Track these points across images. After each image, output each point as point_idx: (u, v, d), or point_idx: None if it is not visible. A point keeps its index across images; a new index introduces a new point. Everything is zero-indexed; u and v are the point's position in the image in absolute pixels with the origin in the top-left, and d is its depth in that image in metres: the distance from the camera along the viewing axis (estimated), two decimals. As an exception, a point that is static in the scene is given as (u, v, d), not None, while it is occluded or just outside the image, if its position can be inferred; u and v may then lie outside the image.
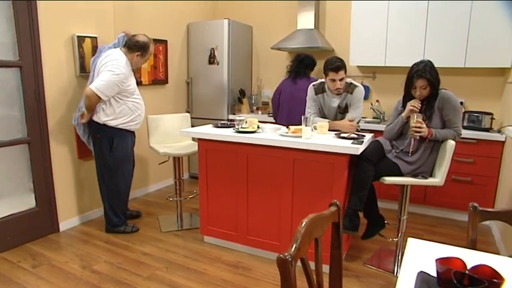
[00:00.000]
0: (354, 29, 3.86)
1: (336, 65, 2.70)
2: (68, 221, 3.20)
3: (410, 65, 3.70)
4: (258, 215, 2.70)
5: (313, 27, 4.23)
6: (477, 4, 3.30)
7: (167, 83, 4.31)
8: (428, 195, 3.58)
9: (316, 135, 2.56)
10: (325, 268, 1.34)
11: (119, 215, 3.16)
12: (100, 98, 2.75)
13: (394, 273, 2.60)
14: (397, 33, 3.67)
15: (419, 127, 2.30)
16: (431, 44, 3.54)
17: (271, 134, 2.61)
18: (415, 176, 2.44)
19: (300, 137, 2.47)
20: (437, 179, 2.37)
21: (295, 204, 2.55)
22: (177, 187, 3.32)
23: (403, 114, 2.44)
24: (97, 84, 2.73)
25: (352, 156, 2.40)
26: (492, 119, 3.39)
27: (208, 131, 2.79)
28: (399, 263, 2.65)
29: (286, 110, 3.49)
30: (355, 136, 2.52)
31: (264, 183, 2.63)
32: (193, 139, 3.42)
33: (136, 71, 3.09)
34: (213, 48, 4.42)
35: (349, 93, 2.85)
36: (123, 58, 2.87)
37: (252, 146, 2.61)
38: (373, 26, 3.76)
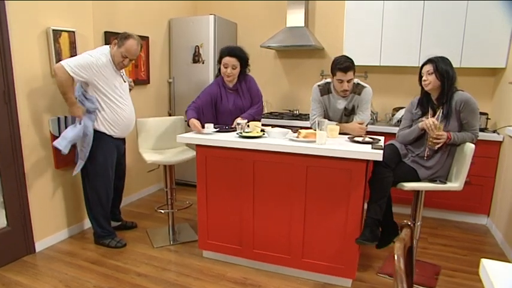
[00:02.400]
0: (348, 29, 3.75)
1: (346, 65, 2.54)
2: (44, 239, 2.82)
3: (406, 65, 3.68)
4: (266, 226, 2.49)
5: (303, 25, 4.07)
6: (473, 4, 3.29)
7: (149, 83, 3.98)
8: (426, 197, 3.49)
9: (328, 140, 2.39)
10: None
11: (102, 225, 2.90)
12: (68, 74, 2.49)
13: (407, 281, 2.49)
14: (392, 32, 3.60)
15: (440, 137, 2.21)
16: (427, 44, 3.49)
17: (281, 139, 2.41)
18: (432, 180, 2.34)
19: (314, 141, 2.29)
20: (456, 183, 2.29)
21: (308, 214, 2.37)
22: (169, 197, 3.03)
23: (420, 125, 2.32)
24: (67, 59, 2.55)
25: (368, 161, 2.25)
26: (487, 119, 3.40)
27: (208, 136, 2.53)
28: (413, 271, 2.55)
29: None
30: (371, 140, 2.38)
31: (272, 192, 2.43)
32: (187, 145, 3.15)
33: (120, 69, 2.79)
34: (197, 46, 4.14)
35: (357, 94, 2.71)
36: (105, 50, 2.70)
37: (259, 153, 2.39)
38: (368, 26, 3.66)
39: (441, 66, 2.25)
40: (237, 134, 2.53)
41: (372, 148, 2.16)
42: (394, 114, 3.74)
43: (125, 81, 2.84)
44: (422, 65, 2.35)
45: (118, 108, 2.73)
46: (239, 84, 2.94)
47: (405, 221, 1.12)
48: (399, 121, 3.62)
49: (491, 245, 3.03)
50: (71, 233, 3.04)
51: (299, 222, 2.39)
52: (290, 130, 2.60)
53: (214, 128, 2.64)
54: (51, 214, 2.87)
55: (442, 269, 2.62)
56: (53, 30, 2.71)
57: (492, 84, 3.65)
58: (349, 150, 2.13)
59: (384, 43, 3.65)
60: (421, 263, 2.69)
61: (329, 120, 2.80)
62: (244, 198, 2.50)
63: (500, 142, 3.23)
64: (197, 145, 2.55)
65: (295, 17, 4.09)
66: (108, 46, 2.73)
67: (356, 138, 2.41)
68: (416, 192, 2.46)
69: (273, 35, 4.13)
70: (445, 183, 2.32)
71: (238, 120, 2.65)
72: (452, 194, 3.42)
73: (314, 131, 2.39)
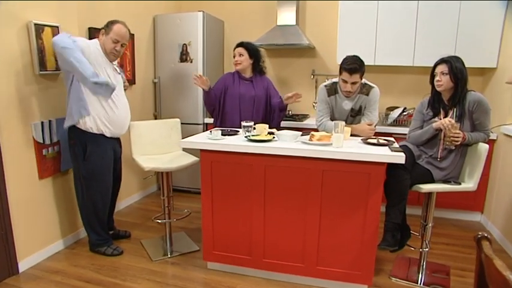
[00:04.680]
0: (342, 28, 3.70)
1: (352, 66, 2.46)
2: (28, 258, 2.53)
3: (400, 64, 3.69)
4: (278, 234, 2.37)
5: (294, 23, 3.98)
6: (466, 4, 3.33)
7: (135, 83, 3.74)
8: (422, 195, 3.54)
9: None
10: None
11: (97, 232, 2.72)
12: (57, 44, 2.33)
13: (418, 283, 2.47)
14: (386, 32, 3.58)
15: (458, 136, 2.18)
16: (420, 44, 3.51)
17: (293, 143, 2.30)
18: (446, 181, 2.32)
19: (330, 144, 2.19)
20: (470, 184, 2.28)
21: (324, 220, 2.27)
22: (166, 205, 2.82)
23: (435, 126, 2.28)
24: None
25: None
26: (480, 118, 3.46)
27: (213, 140, 2.37)
28: (424, 273, 2.53)
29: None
30: (385, 142, 2.32)
31: (285, 198, 2.31)
32: (184, 149, 2.96)
33: (115, 57, 2.61)
34: (185, 44, 3.93)
35: (364, 94, 2.65)
36: (93, 40, 2.56)
37: (270, 157, 2.26)
38: (362, 25, 3.63)
39: (456, 66, 2.22)
40: (245, 137, 2.38)
41: (392, 150, 2.10)
42: (388, 114, 3.73)
43: (119, 73, 2.65)
44: (436, 65, 2.32)
45: (111, 103, 2.53)
46: (254, 77, 3.01)
47: (480, 233, 1.04)
48: (395, 121, 3.63)
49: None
50: (59, 247, 2.76)
51: (314, 228, 2.29)
52: (300, 132, 2.50)
53: (222, 135, 2.46)
54: (36, 229, 2.59)
55: (452, 269, 2.62)
56: (35, 24, 2.44)
57: (480, 84, 3.73)
58: (370, 154, 2.05)
59: (378, 43, 3.63)
60: (430, 264, 2.67)
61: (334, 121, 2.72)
62: (253, 205, 2.36)
63: (494, 140, 3.30)
64: (201, 150, 2.38)
65: (286, 15, 3.99)
66: (95, 39, 2.55)
67: (370, 140, 2.34)
68: (428, 193, 2.43)
69: (263, 33, 4.01)
70: (459, 183, 2.30)
71: (244, 123, 2.51)
72: (448, 192, 3.45)
73: (327, 134, 2.30)
